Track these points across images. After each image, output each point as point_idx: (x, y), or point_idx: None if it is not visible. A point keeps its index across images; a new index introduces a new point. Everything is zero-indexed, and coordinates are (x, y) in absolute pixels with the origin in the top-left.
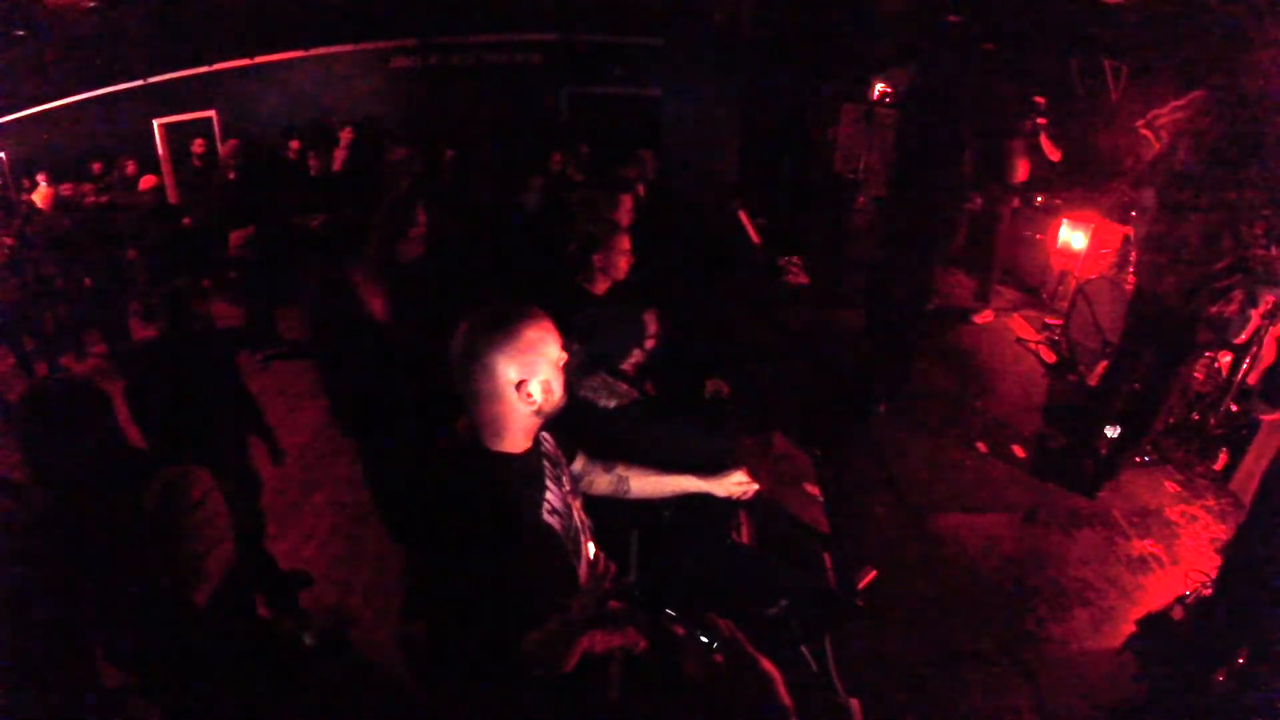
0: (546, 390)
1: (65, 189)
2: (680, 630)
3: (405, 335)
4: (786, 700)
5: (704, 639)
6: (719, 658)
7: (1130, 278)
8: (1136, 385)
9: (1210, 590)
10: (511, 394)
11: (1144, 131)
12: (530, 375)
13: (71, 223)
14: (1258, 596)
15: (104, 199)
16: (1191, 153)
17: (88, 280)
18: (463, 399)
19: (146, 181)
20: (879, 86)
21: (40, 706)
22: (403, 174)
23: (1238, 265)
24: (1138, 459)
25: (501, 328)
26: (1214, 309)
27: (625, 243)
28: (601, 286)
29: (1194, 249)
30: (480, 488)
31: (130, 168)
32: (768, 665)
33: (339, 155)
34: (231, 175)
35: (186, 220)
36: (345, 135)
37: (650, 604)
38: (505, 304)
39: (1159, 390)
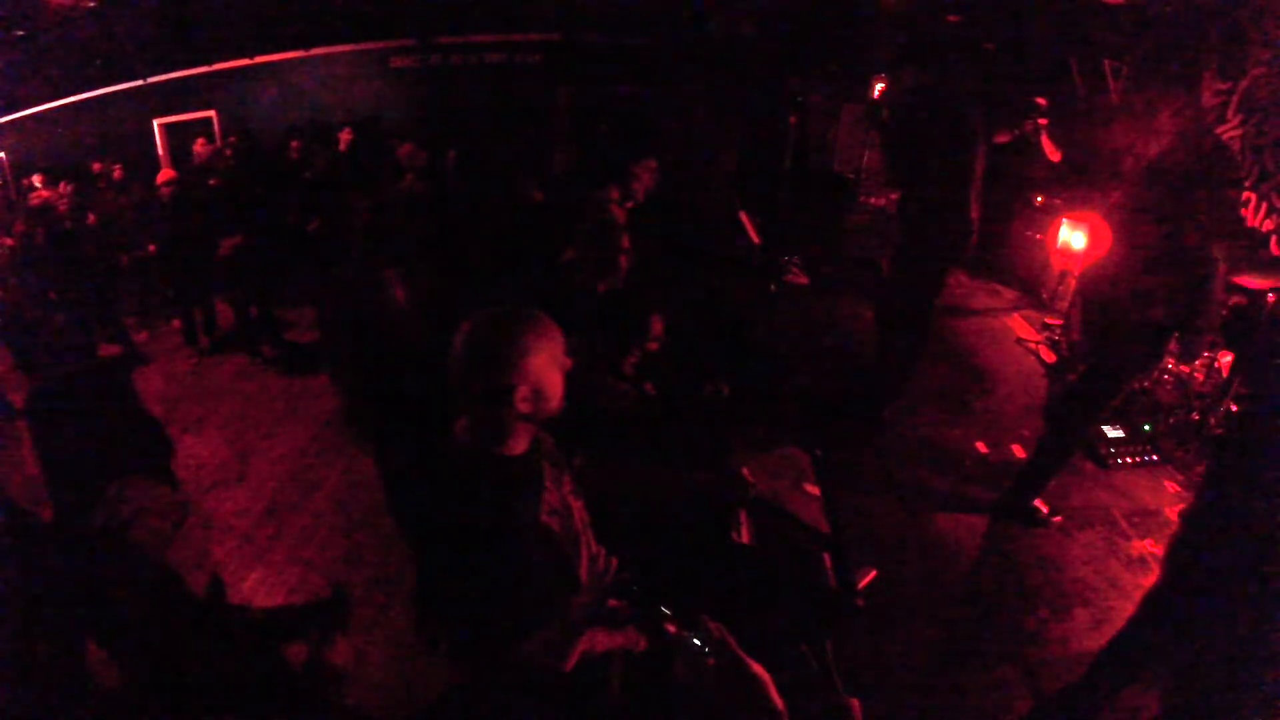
0: (547, 393)
1: (65, 189)
2: (673, 630)
3: (422, 335)
4: (778, 703)
5: (696, 641)
6: (710, 660)
7: None
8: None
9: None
10: (512, 397)
11: (1145, 133)
12: (531, 378)
13: (71, 224)
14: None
15: (102, 200)
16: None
17: (87, 281)
18: (462, 400)
19: (163, 175)
20: (879, 86)
21: (39, 706)
22: (407, 169)
23: (1166, 261)
24: (1136, 459)
25: (503, 331)
26: (1137, 315)
27: (624, 242)
28: (601, 285)
29: (1126, 238)
30: (480, 489)
31: (117, 172)
32: (758, 668)
33: (336, 156)
34: (214, 181)
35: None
36: (344, 136)
37: (647, 602)
38: (507, 307)
39: (1099, 390)
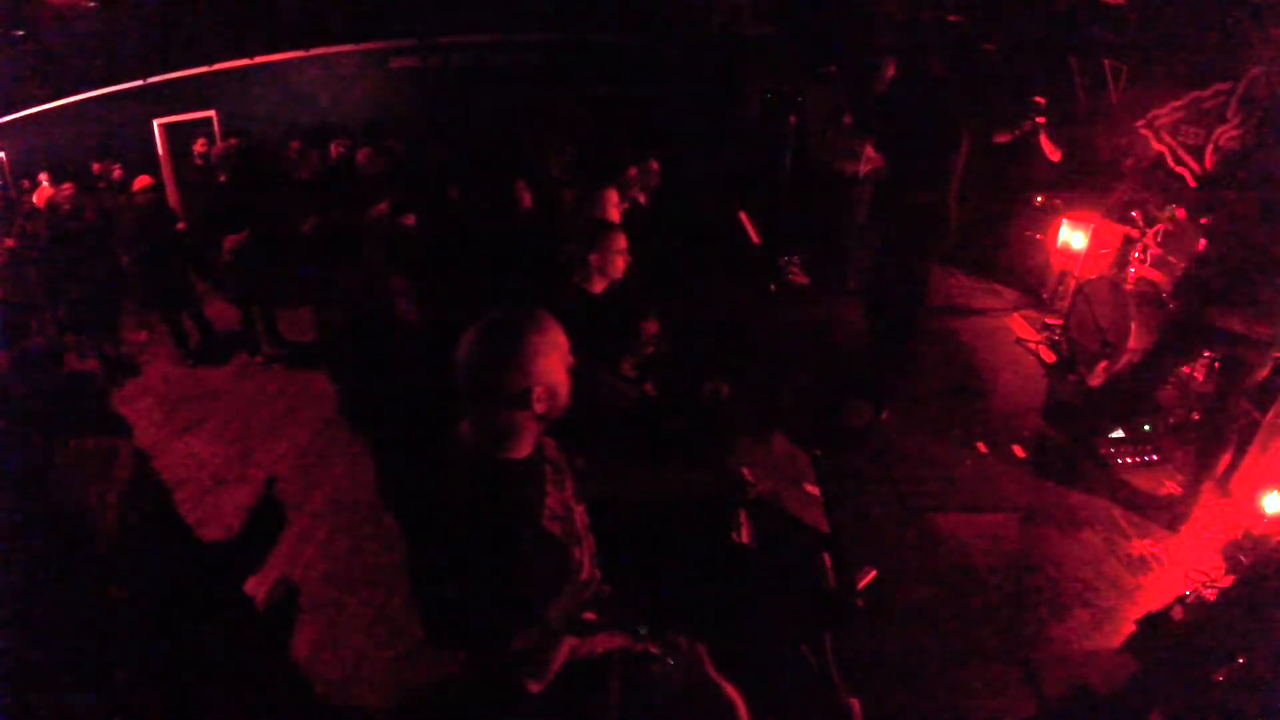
0: (551, 396)
1: (65, 189)
2: (644, 647)
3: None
4: None
5: (670, 661)
6: (676, 677)
7: (1130, 277)
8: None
9: (1211, 591)
10: (516, 400)
11: (1144, 132)
12: (535, 382)
13: (71, 223)
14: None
15: (100, 201)
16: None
17: (87, 282)
18: (466, 403)
19: (140, 182)
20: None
21: (41, 706)
22: (365, 175)
23: (1238, 259)
24: (1136, 459)
25: (507, 334)
26: (1217, 312)
27: (622, 242)
28: (599, 286)
29: (1200, 242)
30: (483, 493)
31: (117, 172)
32: (730, 690)
33: (331, 157)
34: (222, 178)
35: (181, 225)
36: (335, 148)
37: (626, 617)
38: (511, 310)
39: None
